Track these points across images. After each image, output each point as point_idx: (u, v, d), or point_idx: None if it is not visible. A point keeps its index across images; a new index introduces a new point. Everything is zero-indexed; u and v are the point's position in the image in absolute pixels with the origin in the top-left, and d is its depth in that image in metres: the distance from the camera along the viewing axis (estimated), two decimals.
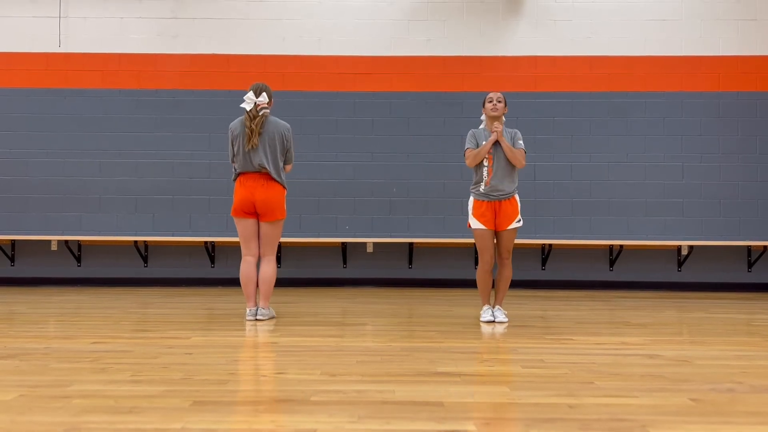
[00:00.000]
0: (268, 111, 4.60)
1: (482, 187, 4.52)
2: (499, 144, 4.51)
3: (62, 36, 7.54)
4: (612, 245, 7.32)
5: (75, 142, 7.48)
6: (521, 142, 4.60)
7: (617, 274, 7.41)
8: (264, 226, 4.62)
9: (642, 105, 7.49)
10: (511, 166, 4.53)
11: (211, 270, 7.43)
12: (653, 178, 7.44)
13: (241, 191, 4.56)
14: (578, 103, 7.51)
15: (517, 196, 4.59)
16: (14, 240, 7.36)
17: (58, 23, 7.54)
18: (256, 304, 4.64)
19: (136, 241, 7.32)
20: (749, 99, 7.45)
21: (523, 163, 4.58)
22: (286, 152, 4.65)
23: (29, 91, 7.50)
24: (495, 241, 4.62)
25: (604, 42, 7.53)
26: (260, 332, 4.12)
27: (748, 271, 7.36)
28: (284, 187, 4.66)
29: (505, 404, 2.36)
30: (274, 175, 4.56)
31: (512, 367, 3.07)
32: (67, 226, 7.43)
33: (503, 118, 4.61)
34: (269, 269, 4.62)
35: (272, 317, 4.70)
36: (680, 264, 7.36)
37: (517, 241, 7.11)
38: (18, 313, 5.10)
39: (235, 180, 4.64)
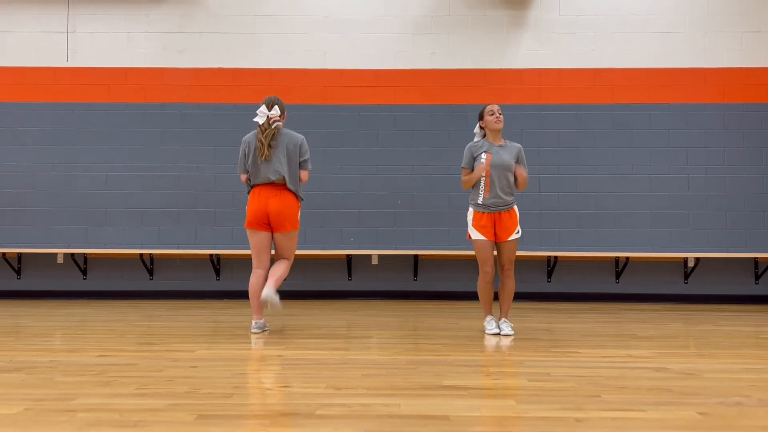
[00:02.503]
0: (280, 124, 4.66)
1: (480, 199, 4.57)
2: (496, 158, 4.53)
3: (70, 51, 7.61)
4: (618, 257, 7.30)
5: (82, 156, 7.53)
6: (525, 164, 4.67)
7: (623, 287, 7.38)
8: (278, 237, 4.65)
9: (646, 117, 7.50)
10: (509, 179, 4.57)
11: (216, 283, 7.44)
12: (658, 190, 7.43)
13: (254, 203, 4.60)
14: (583, 115, 7.52)
15: (516, 208, 4.64)
16: (20, 253, 7.38)
17: (65, 38, 7.62)
18: (262, 317, 4.65)
19: (141, 254, 7.34)
20: (754, 111, 7.44)
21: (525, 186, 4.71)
22: (301, 162, 4.69)
23: (37, 105, 7.56)
24: (495, 252, 4.64)
25: (608, 54, 7.55)
26: (265, 345, 4.11)
27: (756, 284, 7.31)
28: (299, 199, 4.71)
29: (512, 418, 2.34)
30: (291, 185, 4.61)
31: (518, 380, 3.05)
32: (73, 239, 7.45)
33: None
34: (283, 264, 4.65)
35: (275, 306, 4.49)
36: (686, 276, 7.32)
37: (522, 253, 7.17)
38: (24, 326, 5.11)
39: (249, 192, 4.70)
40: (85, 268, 7.45)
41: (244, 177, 4.72)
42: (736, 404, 2.55)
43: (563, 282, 7.42)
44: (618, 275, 7.35)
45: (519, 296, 7.40)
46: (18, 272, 7.43)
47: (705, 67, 7.49)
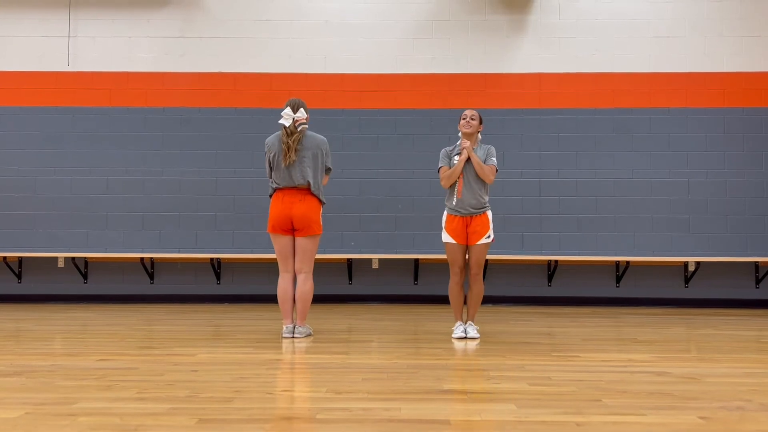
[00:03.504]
0: (306, 126, 4.62)
1: (454, 202, 4.63)
2: (470, 160, 4.56)
3: (71, 55, 7.63)
4: (618, 261, 7.30)
5: (83, 160, 7.54)
6: (494, 158, 4.65)
7: (624, 291, 7.37)
8: (300, 240, 4.57)
9: (647, 121, 7.51)
10: (482, 181, 4.59)
11: (216, 287, 7.43)
12: (659, 194, 7.43)
13: (278, 207, 4.54)
14: (583, 119, 7.53)
15: (489, 213, 4.65)
16: (21, 257, 7.39)
17: (67, 42, 7.64)
18: (292, 321, 4.59)
19: (142, 258, 7.34)
20: (754, 115, 7.45)
21: (492, 179, 4.62)
22: (325, 165, 4.68)
23: (38, 110, 7.58)
24: (466, 255, 4.67)
25: (609, 59, 7.56)
26: (265, 349, 4.11)
27: (756, 288, 7.31)
28: (321, 202, 4.66)
29: (512, 422, 2.34)
30: (314, 189, 4.58)
31: (519, 384, 3.05)
32: (74, 243, 7.46)
33: (479, 136, 4.71)
34: (306, 287, 4.58)
35: (309, 335, 4.64)
36: (687, 280, 7.32)
37: (523, 257, 7.19)
38: (24, 330, 5.11)
39: (271, 196, 4.63)
40: (86, 272, 7.45)
41: None
42: (738, 409, 2.54)
43: (564, 286, 7.41)
44: (618, 279, 7.35)
45: (520, 300, 7.42)
46: (19, 276, 7.43)
47: (705, 72, 7.50)
